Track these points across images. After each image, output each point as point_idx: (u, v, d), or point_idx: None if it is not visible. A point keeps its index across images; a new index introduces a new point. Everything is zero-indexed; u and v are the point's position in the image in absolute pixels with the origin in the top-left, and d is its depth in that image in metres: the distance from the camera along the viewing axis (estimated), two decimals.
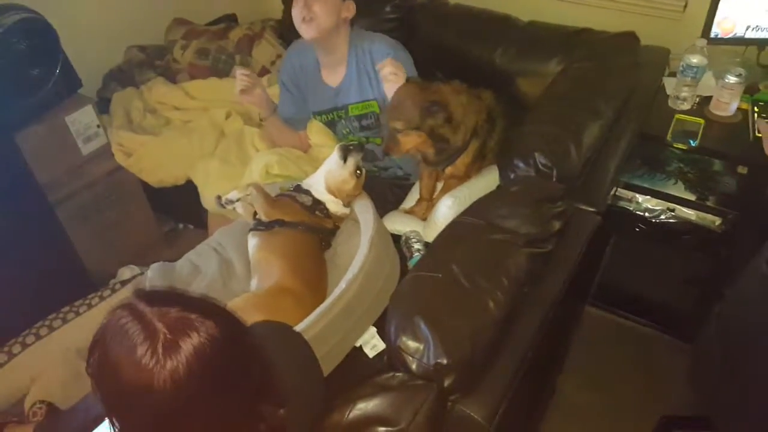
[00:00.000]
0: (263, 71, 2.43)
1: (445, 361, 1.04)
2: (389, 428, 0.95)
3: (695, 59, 1.73)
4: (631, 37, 1.90)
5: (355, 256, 1.57)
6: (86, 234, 2.20)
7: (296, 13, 1.77)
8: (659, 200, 1.85)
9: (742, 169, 1.83)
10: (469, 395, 1.08)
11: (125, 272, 2.24)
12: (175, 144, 2.14)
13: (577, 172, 1.50)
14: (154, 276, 1.63)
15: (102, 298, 2.13)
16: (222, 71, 2.44)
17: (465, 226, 1.36)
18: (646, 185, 1.86)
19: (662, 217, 1.87)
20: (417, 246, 1.73)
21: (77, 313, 2.08)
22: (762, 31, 1.75)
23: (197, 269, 1.68)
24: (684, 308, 2.06)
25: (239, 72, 1.79)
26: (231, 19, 2.82)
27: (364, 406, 0.99)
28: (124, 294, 2.11)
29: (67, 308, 2.09)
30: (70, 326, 2.01)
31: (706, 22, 1.77)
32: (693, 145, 1.69)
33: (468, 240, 1.30)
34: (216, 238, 1.78)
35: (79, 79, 2.17)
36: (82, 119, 2.15)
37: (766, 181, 1.71)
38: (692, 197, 1.82)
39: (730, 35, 1.78)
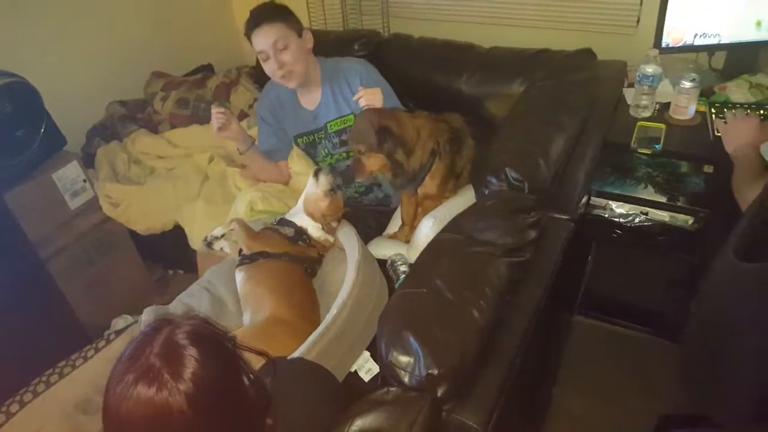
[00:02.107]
0: (242, 115, 2.51)
1: (436, 371, 1.07)
2: None
3: (650, 69, 1.83)
4: (587, 54, 2.01)
5: (344, 282, 1.61)
6: (78, 287, 2.23)
7: (270, 71, 1.86)
8: (632, 205, 1.92)
9: (708, 168, 1.91)
10: (462, 403, 1.11)
11: (119, 322, 2.26)
12: (161, 191, 2.19)
13: (547, 183, 1.57)
14: (148, 319, 1.66)
15: (97, 350, 2.15)
16: (202, 119, 2.51)
17: (445, 241, 1.41)
18: (617, 191, 1.94)
19: (636, 221, 1.93)
20: (403, 268, 1.78)
21: (73, 367, 2.09)
22: (709, 37, 1.86)
23: (190, 309, 1.71)
24: (670, 309, 2.10)
25: (214, 110, 1.86)
26: (207, 69, 2.92)
27: (362, 423, 1.02)
28: (119, 344, 2.13)
29: (63, 363, 2.10)
30: (67, 380, 2.02)
31: (657, 33, 1.88)
32: (657, 149, 1.77)
33: (449, 255, 1.35)
34: (206, 278, 1.82)
35: (63, 136, 2.24)
36: (68, 175, 2.20)
37: (729, 177, 1.79)
38: (663, 199, 1.89)
39: (680, 44, 1.88)
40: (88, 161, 2.41)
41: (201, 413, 0.78)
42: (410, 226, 1.95)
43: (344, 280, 1.65)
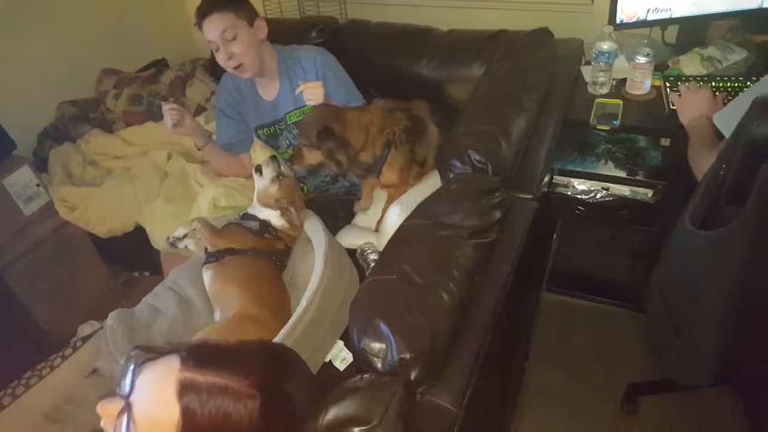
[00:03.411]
0: (199, 109, 2.46)
1: (408, 356, 1.07)
2: (363, 427, 0.97)
3: (605, 45, 1.85)
4: (544, 33, 2.02)
5: (312, 274, 1.60)
6: (39, 295, 2.16)
7: (221, 62, 1.82)
8: (593, 181, 1.96)
9: (665, 141, 1.96)
10: (435, 385, 1.11)
11: (85, 329, 2.20)
12: (119, 191, 2.13)
13: (510, 163, 1.58)
14: (113, 324, 1.62)
15: (64, 358, 2.09)
16: (157, 115, 2.43)
17: (412, 227, 1.41)
18: (578, 169, 1.96)
19: (598, 196, 1.97)
20: (373, 256, 1.78)
21: (40, 377, 2.03)
22: (661, 12, 1.88)
23: (156, 311, 1.68)
24: (634, 280, 2.15)
25: (166, 107, 1.81)
26: (161, 64, 2.84)
27: (336, 411, 1.02)
28: (87, 351, 2.07)
29: (29, 373, 2.04)
30: (34, 391, 1.96)
31: (611, 9, 1.90)
32: (615, 125, 1.80)
33: (416, 240, 1.35)
34: (171, 278, 1.78)
35: (12, 140, 2.15)
36: (20, 180, 2.12)
37: (684, 148, 1.83)
38: (623, 174, 1.93)
39: (633, 19, 1.91)
40: (41, 165, 2.33)
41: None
42: (367, 198, 1.98)
43: (312, 271, 1.64)
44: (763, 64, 1.88)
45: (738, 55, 1.90)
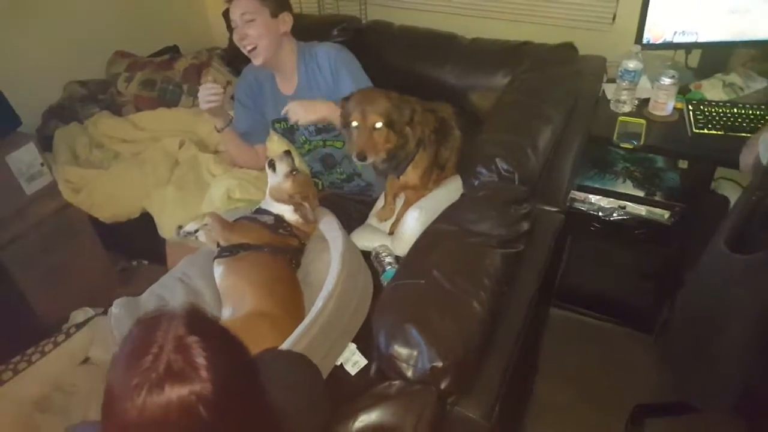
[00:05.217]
0: None
1: (440, 364, 1.05)
2: None
3: (632, 64, 1.85)
4: (570, 48, 2.02)
5: (328, 274, 1.56)
6: (34, 277, 2.09)
7: (237, 41, 1.83)
8: (611, 199, 1.95)
9: (683, 164, 1.96)
10: (465, 396, 1.09)
11: (78, 315, 2.13)
12: (127, 176, 2.07)
13: (537, 174, 1.56)
14: (119, 312, 1.56)
15: (56, 344, 2.02)
16: (170, 101, 2.39)
17: (439, 232, 1.39)
18: (597, 185, 1.96)
19: (615, 215, 1.96)
20: (388, 260, 1.74)
21: (30, 362, 1.96)
22: (688, 35, 1.89)
23: (163, 301, 1.62)
24: (640, 301, 2.15)
25: (209, 85, 1.80)
26: (173, 51, 2.79)
27: (367, 418, 0.99)
28: (80, 338, 2.01)
29: (18, 358, 1.97)
30: (22, 377, 1.90)
31: (638, 29, 1.90)
32: (638, 144, 1.79)
33: (444, 245, 1.33)
34: (181, 268, 1.73)
35: (18, 117, 2.09)
36: (23, 158, 2.05)
37: (706, 172, 1.84)
38: (641, 194, 1.93)
39: (660, 41, 1.91)
40: (44, 144, 2.25)
41: (223, 407, 0.72)
42: (391, 204, 1.92)
43: (327, 270, 1.60)
44: None
45: (759, 84, 1.92)
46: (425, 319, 1.11)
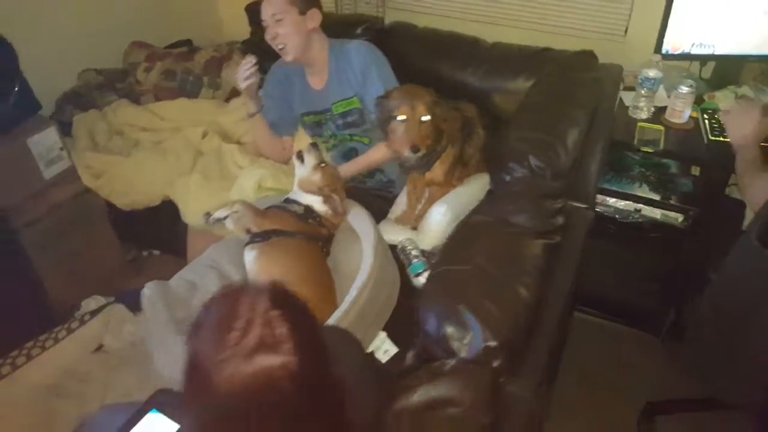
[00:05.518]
0: (234, 92, 2.42)
1: (493, 344, 1.08)
2: (458, 408, 0.97)
3: (652, 72, 1.92)
4: (590, 55, 2.08)
5: (362, 264, 1.59)
6: (49, 262, 2.06)
7: (269, 40, 1.88)
8: (627, 201, 2.01)
9: (695, 170, 2.03)
10: (514, 376, 1.12)
11: (90, 303, 2.12)
12: (149, 164, 2.08)
13: (567, 172, 1.61)
14: (153, 295, 1.55)
15: (70, 331, 2.01)
16: (190, 93, 2.40)
17: (478, 223, 1.42)
18: (614, 188, 2.02)
19: (630, 218, 2.02)
20: (415, 252, 1.77)
21: (43, 348, 1.94)
22: (705, 47, 1.97)
23: (194, 286, 1.63)
24: (648, 303, 2.20)
25: (248, 58, 1.86)
26: (186, 44, 2.79)
27: (426, 391, 1.01)
28: (94, 326, 2.00)
29: (30, 343, 1.95)
30: (35, 363, 1.88)
31: (658, 39, 1.98)
32: (658, 149, 1.86)
33: (484, 235, 1.36)
34: (209, 256, 1.74)
35: (38, 101, 2.08)
36: (44, 141, 2.04)
37: (719, 178, 1.91)
38: (657, 197, 1.99)
39: (678, 51, 1.99)
40: (60, 129, 2.24)
41: (305, 379, 0.74)
42: (414, 207, 1.95)
43: (357, 260, 1.63)
44: None
45: None
46: (476, 302, 1.14)
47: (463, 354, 1.09)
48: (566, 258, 1.42)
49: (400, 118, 1.65)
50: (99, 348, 1.92)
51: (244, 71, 1.84)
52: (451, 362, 1.08)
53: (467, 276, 1.22)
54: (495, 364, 1.08)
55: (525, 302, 1.18)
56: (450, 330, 1.11)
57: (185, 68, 2.42)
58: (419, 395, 0.99)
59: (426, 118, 1.64)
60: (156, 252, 2.49)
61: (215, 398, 0.72)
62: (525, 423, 1.06)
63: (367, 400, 1.00)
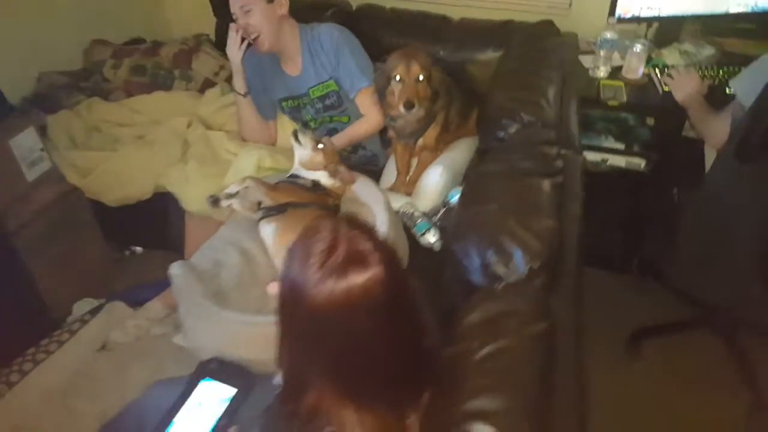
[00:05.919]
0: (207, 83, 2.43)
1: (536, 265, 1.20)
2: (519, 319, 1.08)
3: (609, 34, 2.13)
4: (550, 24, 2.27)
5: (376, 222, 1.65)
6: (41, 265, 2.01)
7: (243, 34, 1.90)
8: (595, 152, 2.21)
9: (650, 120, 2.26)
10: (553, 293, 1.24)
11: (82, 306, 2.08)
12: (138, 156, 2.06)
13: (554, 122, 1.77)
14: (179, 273, 1.55)
15: (72, 333, 1.99)
16: (162, 86, 2.39)
17: (489, 172, 1.55)
18: (584, 142, 2.20)
19: (599, 167, 2.22)
20: (417, 213, 1.87)
21: (48, 352, 1.92)
22: (652, 10, 2.20)
23: (218, 263, 1.64)
24: (618, 246, 2.39)
25: (232, 27, 1.89)
26: (140, 42, 2.74)
27: (486, 308, 1.12)
28: (97, 325, 1.98)
29: (33, 349, 1.93)
30: (43, 368, 1.87)
31: (611, 5, 2.18)
32: (624, 101, 2.06)
33: (500, 179, 1.49)
34: (224, 234, 1.75)
35: (10, 103, 2.02)
36: (24, 143, 1.98)
37: (675, 125, 2.14)
38: (621, 146, 2.20)
39: (628, 15, 2.21)
40: None
41: (395, 288, 0.83)
42: (405, 174, 2.05)
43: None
44: (727, 60, 2.24)
45: (708, 51, 2.26)
46: (512, 231, 1.26)
47: (511, 278, 1.20)
48: (569, 197, 1.56)
49: (397, 78, 1.74)
50: (103, 347, 1.90)
51: (235, 40, 1.86)
52: (500, 285, 1.19)
53: (496, 212, 1.34)
54: (538, 283, 1.20)
55: (552, 229, 1.30)
56: (494, 257, 1.22)
57: (155, 63, 2.41)
58: (477, 312, 1.10)
59: (421, 77, 1.73)
60: (138, 249, 2.44)
61: (315, 316, 0.81)
62: (571, 330, 1.18)
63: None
